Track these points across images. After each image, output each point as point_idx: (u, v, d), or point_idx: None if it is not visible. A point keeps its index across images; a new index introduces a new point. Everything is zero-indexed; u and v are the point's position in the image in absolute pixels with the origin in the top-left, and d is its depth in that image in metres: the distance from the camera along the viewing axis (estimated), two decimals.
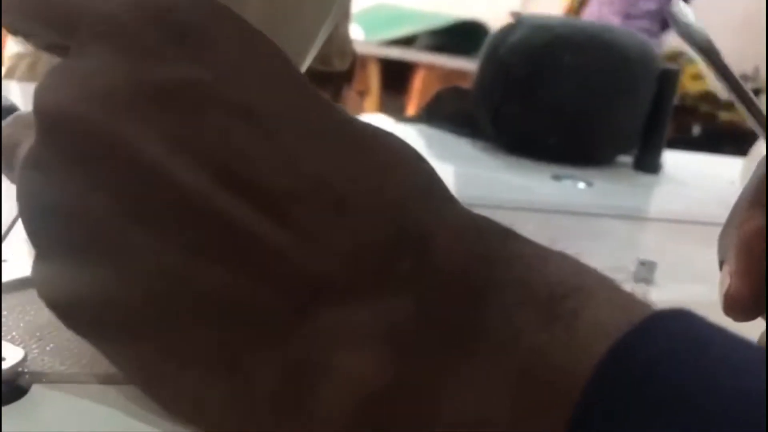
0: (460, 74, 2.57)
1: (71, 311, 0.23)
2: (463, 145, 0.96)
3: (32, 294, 0.31)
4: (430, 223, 0.22)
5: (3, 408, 0.24)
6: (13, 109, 0.62)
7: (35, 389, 0.25)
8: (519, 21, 0.96)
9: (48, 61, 1.29)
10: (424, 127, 1.03)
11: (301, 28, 0.31)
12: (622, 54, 0.92)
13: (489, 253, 0.21)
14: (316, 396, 0.21)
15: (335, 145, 0.22)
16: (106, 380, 0.25)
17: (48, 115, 0.23)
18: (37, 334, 0.28)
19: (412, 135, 0.98)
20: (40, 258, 0.24)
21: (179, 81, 0.22)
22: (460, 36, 2.89)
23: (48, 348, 0.27)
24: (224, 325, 0.22)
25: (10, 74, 1.30)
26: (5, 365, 0.24)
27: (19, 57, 1.32)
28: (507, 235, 0.22)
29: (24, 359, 0.25)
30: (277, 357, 0.21)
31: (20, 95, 0.65)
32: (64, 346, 0.27)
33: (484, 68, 0.97)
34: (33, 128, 0.23)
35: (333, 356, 0.21)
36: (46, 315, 0.29)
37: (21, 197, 0.24)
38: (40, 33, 0.26)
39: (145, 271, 0.22)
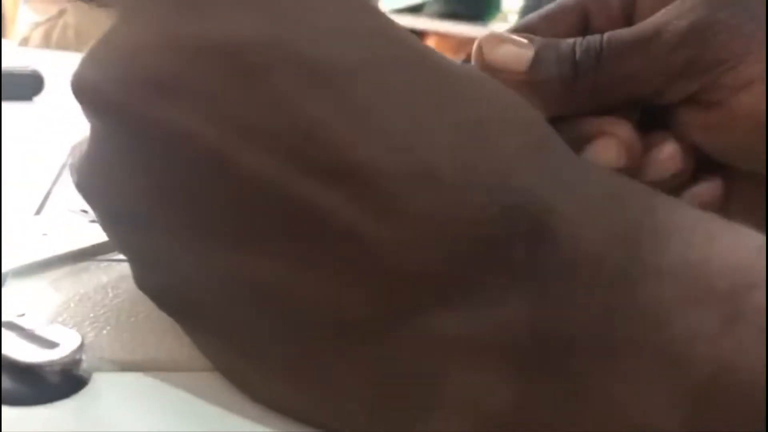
0: (471, 42, 2.52)
1: (160, 299, 0.22)
2: None
3: (79, 270, 0.28)
4: (547, 194, 0.17)
5: (61, 402, 0.21)
6: (36, 75, 0.60)
7: (97, 378, 0.22)
8: None
9: (63, 29, 1.26)
10: None
11: None
12: None
13: (632, 229, 0.16)
14: (426, 418, 0.17)
15: (423, 102, 0.18)
16: (179, 367, 0.22)
17: (90, 103, 0.20)
18: (91, 315, 0.25)
19: None
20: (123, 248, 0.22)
21: (236, 42, 0.18)
22: (470, 3, 2.84)
23: (104, 332, 0.24)
24: (305, 332, 0.18)
25: (25, 42, 1.28)
26: (61, 352, 0.21)
27: (33, 26, 1.30)
28: (654, 201, 0.17)
29: (81, 345, 0.22)
30: (368, 370, 0.18)
31: (37, 61, 0.63)
32: (123, 329, 0.24)
33: None
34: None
35: (441, 373, 0.17)
36: (97, 294, 0.26)
37: (82, 190, 0.22)
38: None
39: (215, 273, 0.19)
